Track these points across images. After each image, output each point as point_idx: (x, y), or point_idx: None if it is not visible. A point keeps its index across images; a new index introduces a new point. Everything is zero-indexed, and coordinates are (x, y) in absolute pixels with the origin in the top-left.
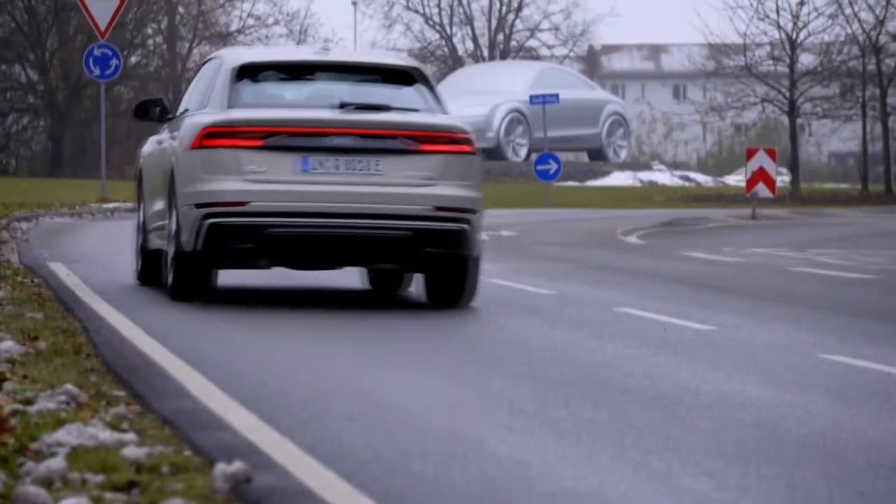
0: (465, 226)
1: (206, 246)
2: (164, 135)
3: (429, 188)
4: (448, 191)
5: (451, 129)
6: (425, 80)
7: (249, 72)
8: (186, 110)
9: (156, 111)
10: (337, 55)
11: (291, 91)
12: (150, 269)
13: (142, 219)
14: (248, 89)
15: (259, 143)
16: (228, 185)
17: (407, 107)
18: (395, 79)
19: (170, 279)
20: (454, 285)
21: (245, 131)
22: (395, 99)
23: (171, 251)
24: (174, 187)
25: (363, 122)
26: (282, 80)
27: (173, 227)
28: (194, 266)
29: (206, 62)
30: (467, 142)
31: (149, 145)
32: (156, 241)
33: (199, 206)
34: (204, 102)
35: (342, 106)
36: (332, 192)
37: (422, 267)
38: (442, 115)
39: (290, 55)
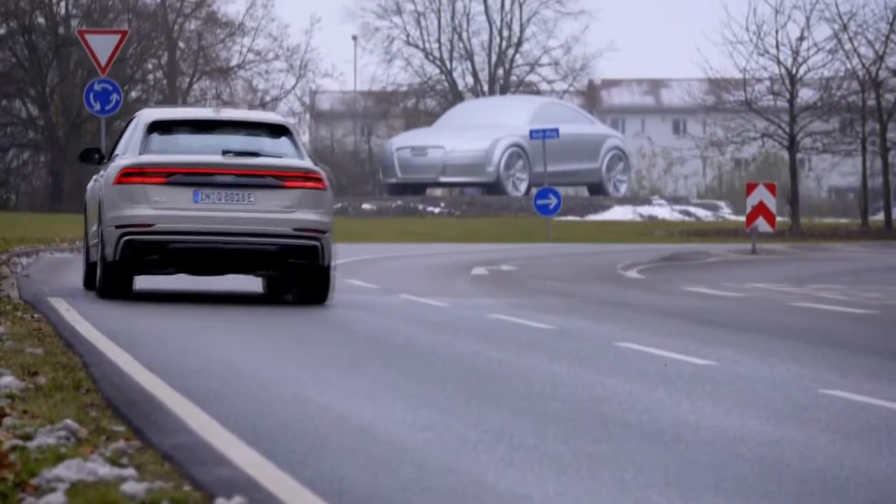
0: (317, 242)
1: (122, 257)
2: (100, 174)
3: (289, 214)
4: (304, 216)
5: (307, 170)
6: (290, 133)
7: (158, 126)
8: (115, 155)
9: (95, 157)
10: (224, 115)
11: (188, 142)
12: (91, 276)
13: (85, 238)
14: (156, 140)
15: (163, 180)
16: (139, 211)
17: (275, 153)
18: (268, 132)
19: (98, 283)
20: (316, 289)
21: (152, 171)
22: (266, 147)
23: (99, 261)
24: (102, 213)
25: (240, 164)
26: (182, 133)
27: (101, 243)
28: (116, 272)
29: (130, 119)
30: (319, 180)
31: (91, 182)
32: (94, 255)
33: (118, 227)
34: (125, 150)
35: (225, 153)
36: (216, 216)
37: (287, 274)
38: (300, 159)
39: (188, 114)
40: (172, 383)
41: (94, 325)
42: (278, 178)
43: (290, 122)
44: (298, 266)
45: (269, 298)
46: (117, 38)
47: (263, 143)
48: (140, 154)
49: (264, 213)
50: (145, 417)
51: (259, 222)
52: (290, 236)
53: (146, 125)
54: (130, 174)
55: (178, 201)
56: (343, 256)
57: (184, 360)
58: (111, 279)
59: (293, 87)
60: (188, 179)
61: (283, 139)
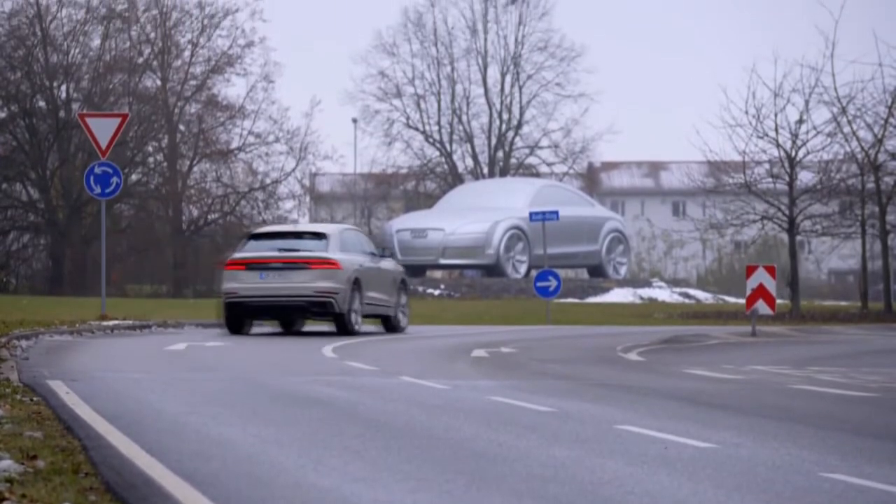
0: (332, 299)
1: (226, 310)
2: None
3: (311, 283)
4: (321, 284)
5: (325, 258)
6: (327, 236)
7: (253, 237)
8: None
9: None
10: (285, 227)
11: (263, 245)
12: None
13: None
14: (250, 244)
15: (243, 267)
16: (231, 285)
17: (312, 248)
18: (312, 236)
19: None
20: (339, 326)
21: (239, 262)
22: (307, 245)
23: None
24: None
25: (284, 256)
26: (263, 239)
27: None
28: (228, 319)
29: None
30: (333, 262)
31: None
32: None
33: (224, 293)
34: (236, 250)
35: (279, 250)
36: (271, 286)
37: (315, 318)
38: (324, 252)
39: (269, 229)
40: (172, 466)
41: (93, 409)
42: (306, 263)
43: (329, 229)
44: (320, 312)
45: (271, 380)
46: (118, 121)
47: (306, 243)
48: (237, 253)
49: (297, 284)
50: (144, 501)
51: (294, 289)
52: (312, 296)
53: (248, 235)
54: (231, 264)
55: (251, 279)
56: (342, 338)
57: (183, 443)
58: (228, 323)
59: (293, 170)
60: (256, 266)
61: (322, 241)
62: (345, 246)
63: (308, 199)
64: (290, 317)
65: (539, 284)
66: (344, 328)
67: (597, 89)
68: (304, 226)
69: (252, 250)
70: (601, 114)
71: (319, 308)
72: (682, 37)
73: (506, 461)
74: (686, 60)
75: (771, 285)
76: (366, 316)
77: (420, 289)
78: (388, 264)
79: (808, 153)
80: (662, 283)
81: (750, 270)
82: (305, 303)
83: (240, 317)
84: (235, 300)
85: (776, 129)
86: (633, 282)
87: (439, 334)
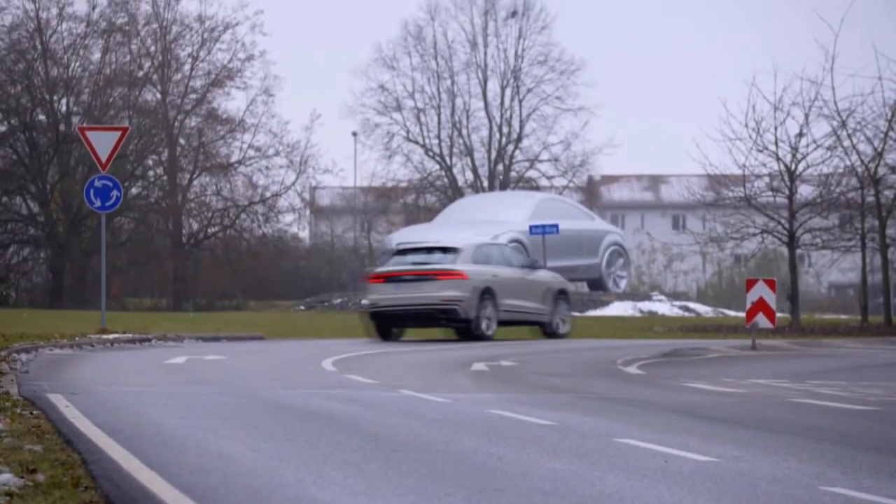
0: (456, 306)
1: (371, 319)
2: None
3: (441, 292)
4: (446, 293)
5: (450, 269)
6: (457, 250)
7: (397, 252)
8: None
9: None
10: (424, 243)
11: (403, 259)
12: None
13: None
14: (392, 259)
15: (383, 280)
16: (373, 296)
17: (442, 261)
18: (442, 250)
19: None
20: (466, 332)
21: (380, 275)
22: (438, 258)
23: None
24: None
25: (415, 269)
26: (402, 254)
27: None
28: (377, 326)
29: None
30: (458, 273)
31: None
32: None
33: (369, 304)
34: (382, 265)
35: (412, 263)
36: (404, 296)
37: (444, 325)
38: (451, 264)
39: (409, 245)
40: (172, 480)
41: (93, 422)
42: (434, 274)
43: (463, 243)
44: (446, 319)
45: (271, 394)
46: (118, 134)
47: (438, 256)
48: (379, 267)
49: (426, 293)
50: None
51: (423, 298)
52: (439, 304)
53: (393, 251)
54: (373, 278)
55: (388, 290)
56: (342, 352)
57: (183, 457)
58: (378, 330)
59: (293, 183)
60: (392, 279)
61: (452, 254)
62: (479, 259)
63: (308, 212)
64: (422, 323)
65: None
66: (470, 334)
67: (597, 103)
68: (442, 241)
69: (392, 265)
70: (601, 127)
71: (446, 315)
72: (682, 51)
73: (506, 475)
74: (686, 74)
75: (771, 299)
76: (513, 322)
77: None
78: (541, 275)
79: (808, 167)
80: (662, 297)
81: (750, 284)
82: (433, 310)
83: (385, 325)
84: (376, 310)
85: (776, 143)
86: (633, 295)
87: (437, 348)
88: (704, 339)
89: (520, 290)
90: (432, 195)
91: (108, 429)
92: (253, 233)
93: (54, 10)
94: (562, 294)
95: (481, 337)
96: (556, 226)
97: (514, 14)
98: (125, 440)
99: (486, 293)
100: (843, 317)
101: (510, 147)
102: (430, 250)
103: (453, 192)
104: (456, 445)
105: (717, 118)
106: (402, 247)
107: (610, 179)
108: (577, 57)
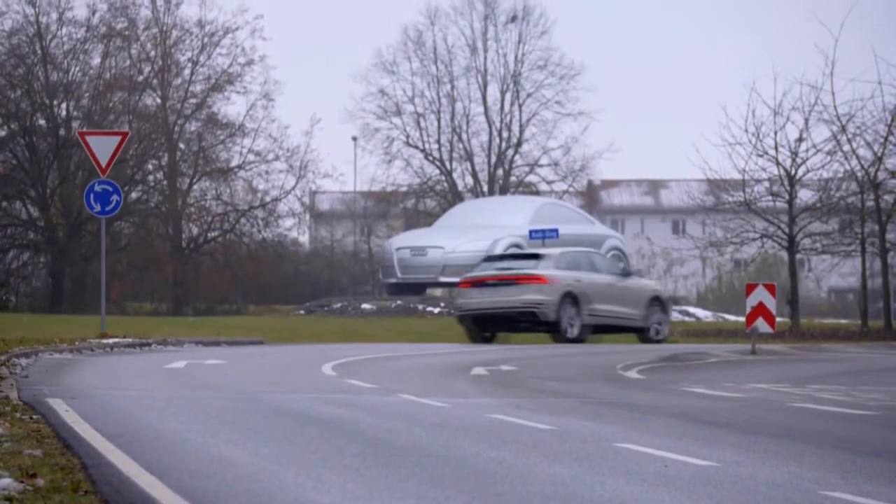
0: (536, 309)
1: (462, 321)
2: None
3: (520, 296)
4: (527, 296)
5: (531, 274)
6: (539, 256)
7: (487, 259)
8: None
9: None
10: (512, 250)
11: (490, 265)
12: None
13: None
14: (482, 265)
15: (469, 285)
16: (463, 300)
17: (524, 267)
18: (525, 257)
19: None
20: (549, 331)
21: (469, 281)
22: (521, 265)
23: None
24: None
25: (498, 275)
26: (493, 261)
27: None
28: (468, 329)
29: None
30: (539, 277)
31: None
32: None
33: (460, 307)
34: (474, 270)
35: (497, 269)
36: (489, 300)
37: (526, 327)
38: (532, 269)
39: (499, 252)
40: (172, 484)
41: (93, 426)
42: (515, 280)
43: (550, 251)
44: (529, 321)
45: (271, 398)
46: (118, 139)
47: (523, 262)
48: (469, 273)
49: (509, 297)
50: None
51: (505, 302)
52: (519, 307)
53: (484, 258)
54: (463, 283)
55: (475, 295)
56: (342, 357)
57: (183, 461)
58: (469, 333)
59: (293, 188)
60: (479, 284)
61: (536, 261)
62: (563, 265)
63: (308, 217)
64: (505, 326)
65: None
66: (561, 336)
67: (596, 107)
68: (526, 250)
69: (481, 270)
70: (601, 132)
71: (527, 317)
72: (682, 55)
73: (506, 479)
74: (686, 79)
75: (771, 303)
76: (605, 328)
77: (420, 307)
78: (634, 282)
79: (808, 171)
80: None
81: (750, 288)
82: (514, 313)
83: (474, 328)
84: (463, 313)
85: (776, 148)
86: None
87: (439, 352)
88: (704, 343)
89: (609, 296)
90: (432, 200)
91: (107, 433)
92: (253, 237)
93: (54, 15)
94: (657, 300)
95: (565, 339)
96: (555, 230)
97: (513, 19)
98: (125, 444)
99: (568, 297)
100: (843, 321)
101: (510, 152)
102: (516, 257)
103: (453, 196)
104: (456, 450)
105: (717, 123)
106: (492, 254)
107: (610, 184)
108: (576, 62)
